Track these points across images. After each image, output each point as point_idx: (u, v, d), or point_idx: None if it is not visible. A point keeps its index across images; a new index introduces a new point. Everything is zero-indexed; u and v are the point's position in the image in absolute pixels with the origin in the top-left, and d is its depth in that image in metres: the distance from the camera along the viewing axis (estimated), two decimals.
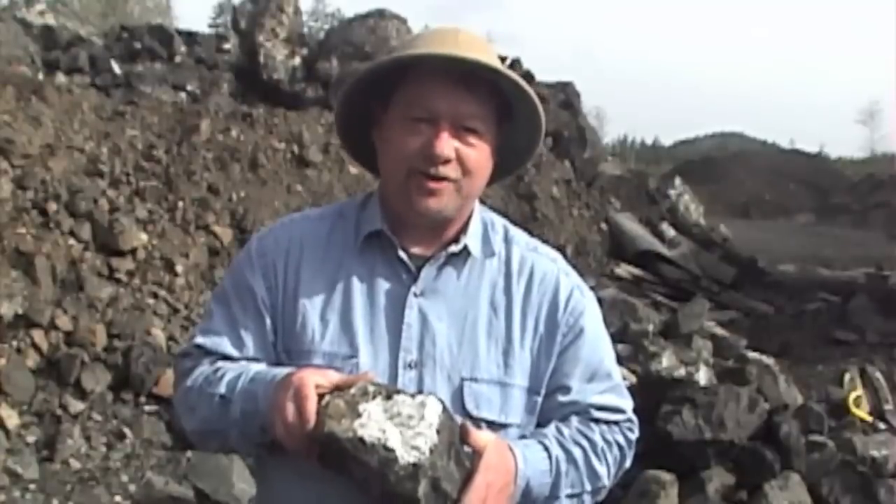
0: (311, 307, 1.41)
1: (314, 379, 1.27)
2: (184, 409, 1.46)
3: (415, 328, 1.39)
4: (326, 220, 1.49)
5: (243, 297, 1.44)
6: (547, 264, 1.50)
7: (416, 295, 1.41)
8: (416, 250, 1.44)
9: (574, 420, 1.45)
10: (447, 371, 1.39)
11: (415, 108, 1.37)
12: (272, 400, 1.29)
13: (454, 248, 1.43)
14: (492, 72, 1.36)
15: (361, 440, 1.19)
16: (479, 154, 1.39)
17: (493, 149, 1.42)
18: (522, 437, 1.43)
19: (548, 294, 1.46)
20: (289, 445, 1.27)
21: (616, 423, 1.49)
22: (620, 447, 1.49)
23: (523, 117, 1.44)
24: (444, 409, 1.25)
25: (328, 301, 1.41)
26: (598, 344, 1.49)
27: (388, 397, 1.24)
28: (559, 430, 1.43)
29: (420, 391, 1.34)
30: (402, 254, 1.42)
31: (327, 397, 1.25)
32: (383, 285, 1.42)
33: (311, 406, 1.23)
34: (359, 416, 1.22)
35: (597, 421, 1.46)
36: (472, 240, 1.45)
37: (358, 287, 1.42)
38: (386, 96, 1.41)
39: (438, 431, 1.21)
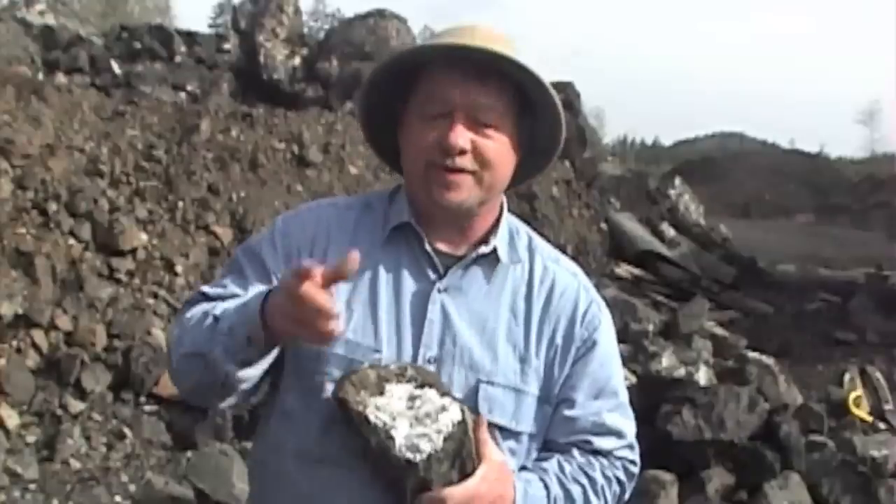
0: (336, 293, 1.37)
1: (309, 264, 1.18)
2: (175, 342, 1.40)
3: (436, 324, 1.39)
4: (353, 209, 1.48)
5: (255, 265, 1.42)
6: (568, 278, 1.50)
7: (439, 291, 1.41)
8: (442, 247, 1.43)
9: (576, 454, 1.45)
10: (465, 370, 1.39)
11: (430, 102, 1.37)
12: (278, 302, 1.21)
13: (484, 249, 1.43)
14: (503, 61, 1.34)
15: (367, 419, 1.21)
16: (497, 146, 1.38)
17: (513, 142, 1.41)
18: (523, 468, 1.43)
19: (567, 308, 1.46)
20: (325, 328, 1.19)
21: (618, 457, 1.48)
22: (620, 482, 1.49)
23: (541, 108, 1.42)
24: (463, 420, 1.24)
25: (354, 290, 1.40)
26: (608, 360, 1.49)
27: (421, 386, 1.25)
28: (561, 467, 1.43)
29: (454, 392, 1.34)
30: (428, 247, 1.42)
31: (366, 364, 1.27)
32: (408, 279, 1.41)
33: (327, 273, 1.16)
34: (381, 393, 1.23)
35: (596, 453, 1.46)
36: (501, 243, 1.45)
37: (384, 278, 1.41)
38: (406, 95, 1.41)
39: (447, 439, 1.21)
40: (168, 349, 1.45)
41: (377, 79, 1.42)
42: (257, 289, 1.36)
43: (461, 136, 1.34)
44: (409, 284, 1.41)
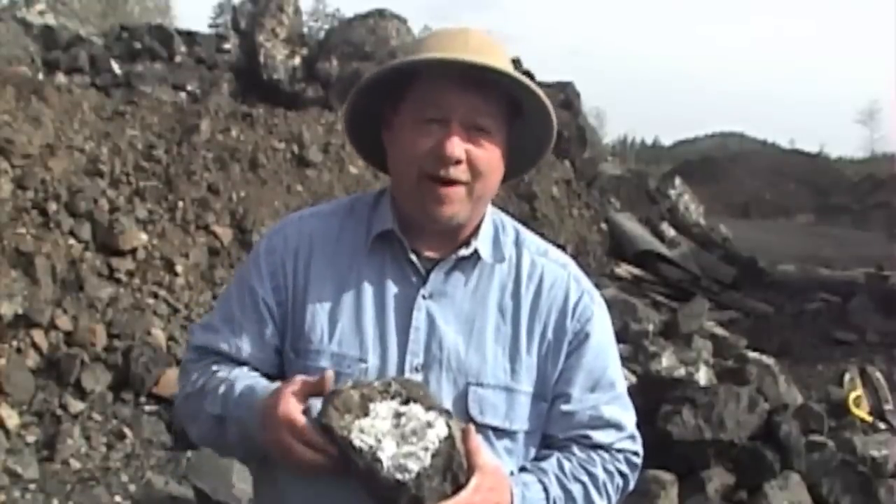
0: (321, 307, 1.40)
1: (295, 405, 1.27)
2: (185, 415, 1.49)
3: (422, 331, 1.39)
4: (337, 216, 1.48)
5: (244, 297, 1.44)
6: (557, 270, 1.48)
7: (424, 297, 1.40)
8: (426, 252, 1.42)
9: (576, 450, 1.43)
10: (453, 375, 1.38)
11: (425, 109, 1.36)
12: (271, 441, 1.29)
13: (464, 252, 1.42)
14: (503, 76, 1.35)
15: (352, 444, 1.20)
16: (491, 155, 1.38)
17: (504, 150, 1.41)
18: (523, 469, 1.41)
19: (557, 301, 1.45)
20: (314, 472, 1.28)
21: (619, 449, 1.46)
22: (623, 475, 1.47)
23: (533, 116, 1.42)
24: (450, 435, 1.22)
25: (337, 301, 1.40)
26: (603, 352, 1.47)
27: (406, 402, 1.23)
28: (560, 466, 1.41)
29: (441, 402, 1.32)
30: (412, 255, 1.41)
31: (349, 382, 1.26)
32: (392, 287, 1.41)
33: (314, 436, 1.25)
34: (365, 414, 1.21)
35: (597, 448, 1.44)
36: (482, 243, 1.44)
37: (368, 288, 1.41)
38: (396, 99, 1.40)
39: (434, 455, 1.20)
40: (176, 404, 1.55)
41: (369, 84, 1.41)
42: (249, 332, 1.43)
43: (457, 146, 1.34)
44: (393, 292, 1.41)
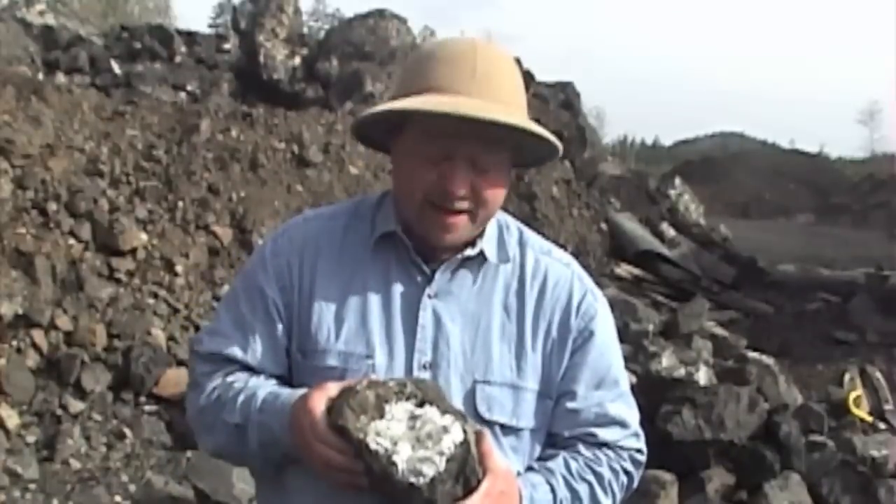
0: (327, 306, 1.41)
1: (322, 407, 1.26)
2: (200, 427, 1.47)
3: (429, 329, 1.39)
4: (341, 218, 1.48)
5: (253, 299, 1.44)
6: (561, 269, 1.49)
7: (430, 296, 1.41)
8: (430, 252, 1.43)
9: (582, 449, 1.44)
10: (460, 373, 1.39)
11: (429, 144, 1.34)
12: (298, 444, 1.29)
13: (470, 252, 1.42)
14: (505, 127, 1.31)
15: (367, 446, 1.20)
16: (496, 188, 1.38)
17: (508, 174, 1.41)
18: (530, 468, 1.42)
19: (561, 299, 1.46)
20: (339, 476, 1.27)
21: (624, 447, 1.47)
22: (628, 473, 1.48)
23: (539, 143, 1.40)
24: (465, 440, 1.22)
25: (344, 300, 1.41)
26: (607, 350, 1.48)
27: (421, 404, 1.23)
28: (567, 466, 1.42)
29: (457, 407, 1.31)
30: (415, 256, 1.42)
31: (364, 382, 1.25)
32: (398, 286, 1.41)
33: (331, 438, 1.24)
34: (381, 416, 1.21)
35: (601, 446, 1.45)
36: (488, 244, 1.44)
37: (373, 287, 1.41)
38: (396, 131, 1.39)
39: (449, 460, 1.20)
40: (190, 416, 1.51)
41: (365, 122, 1.40)
42: (262, 333, 1.42)
43: (461, 183, 1.33)
44: (399, 291, 1.41)
